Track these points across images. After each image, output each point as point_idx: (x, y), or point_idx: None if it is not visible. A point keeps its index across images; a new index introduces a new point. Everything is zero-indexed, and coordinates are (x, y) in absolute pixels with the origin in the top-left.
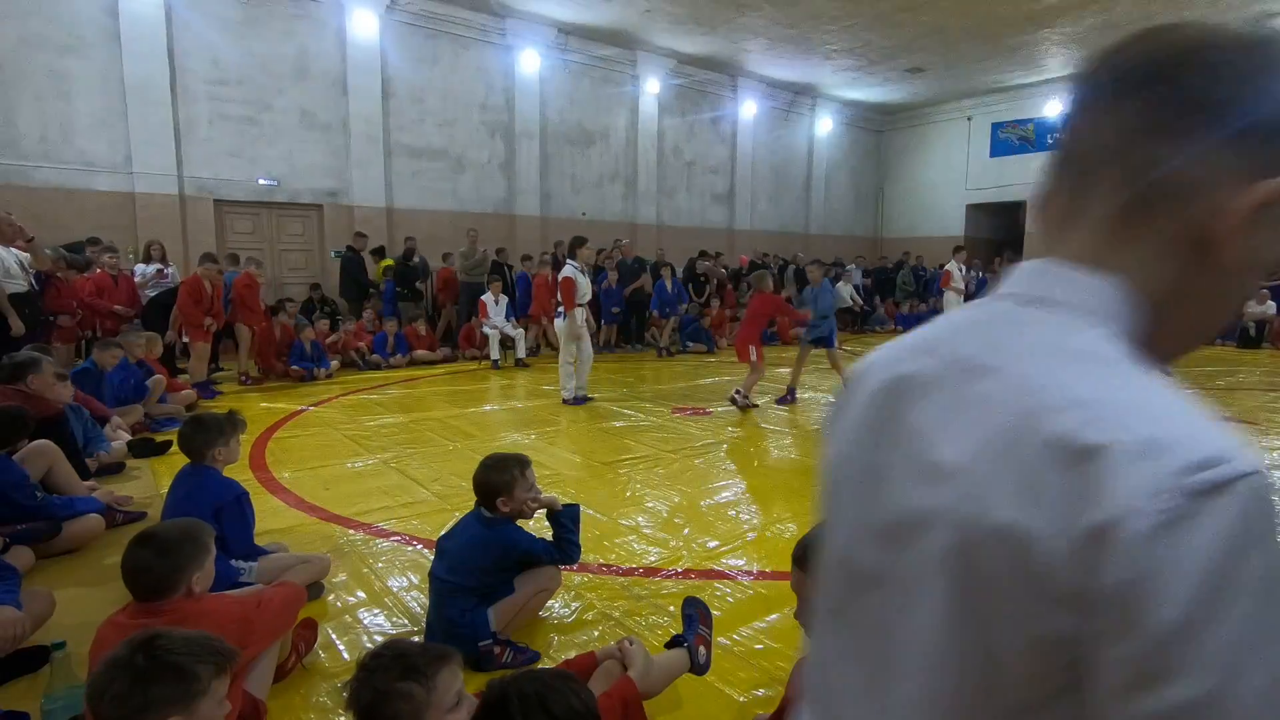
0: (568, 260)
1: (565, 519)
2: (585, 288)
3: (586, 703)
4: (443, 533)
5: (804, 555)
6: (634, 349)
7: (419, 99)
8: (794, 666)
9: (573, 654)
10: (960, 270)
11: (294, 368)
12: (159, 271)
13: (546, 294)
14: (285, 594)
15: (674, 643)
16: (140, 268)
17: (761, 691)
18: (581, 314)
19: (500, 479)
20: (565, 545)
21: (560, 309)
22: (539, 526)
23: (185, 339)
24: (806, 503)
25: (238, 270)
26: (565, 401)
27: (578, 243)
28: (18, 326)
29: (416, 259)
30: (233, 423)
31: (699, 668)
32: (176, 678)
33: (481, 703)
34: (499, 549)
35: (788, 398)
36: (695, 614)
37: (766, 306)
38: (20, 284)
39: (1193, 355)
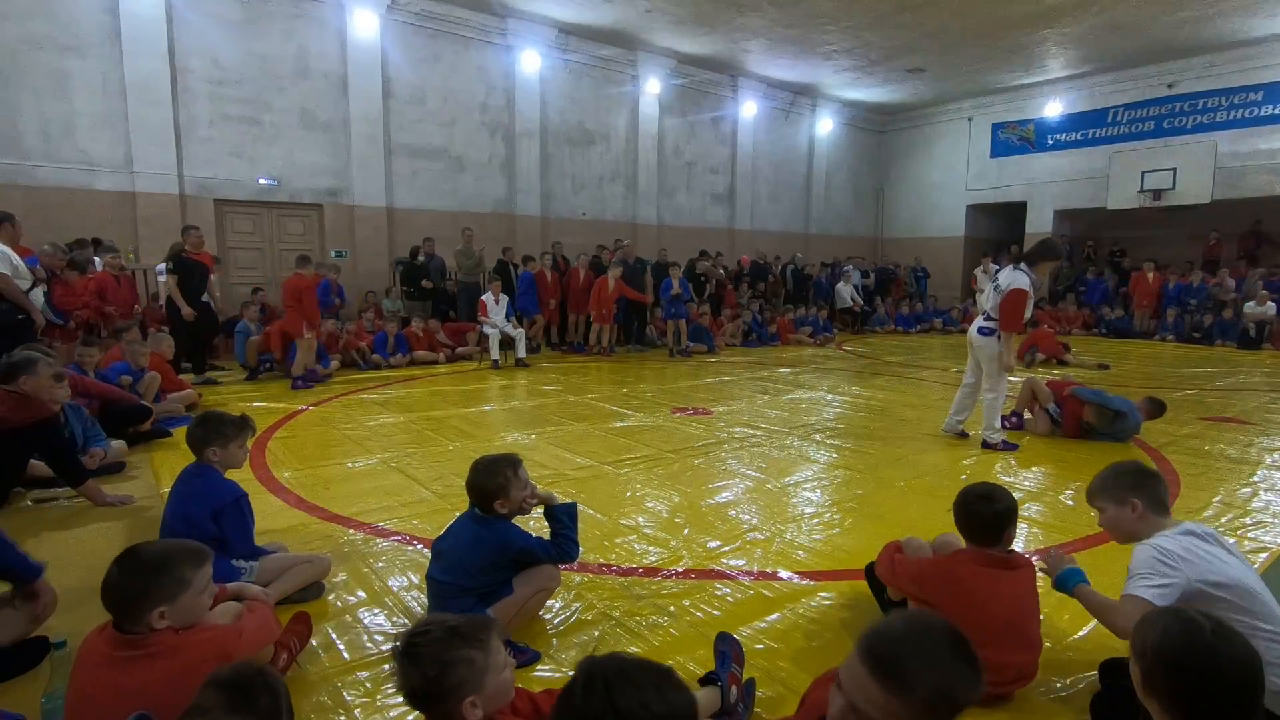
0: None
1: (562, 515)
2: None
3: (673, 705)
4: (438, 535)
5: (882, 662)
6: (635, 349)
7: (419, 99)
8: (813, 681)
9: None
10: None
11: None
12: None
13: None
14: (258, 624)
15: (706, 680)
16: (162, 267)
17: (762, 692)
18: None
19: (494, 483)
20: (563, 542)
21: None
22: (538, 529)
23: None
24: (806, 503)
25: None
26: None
27: None
28: (40, 319)
29: (421, 258)
30: (238, 425)
31: (729, 706)
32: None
33: (570, 680)
34: (495, 546)
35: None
36: (729, 651)
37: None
38: (27, 283)
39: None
